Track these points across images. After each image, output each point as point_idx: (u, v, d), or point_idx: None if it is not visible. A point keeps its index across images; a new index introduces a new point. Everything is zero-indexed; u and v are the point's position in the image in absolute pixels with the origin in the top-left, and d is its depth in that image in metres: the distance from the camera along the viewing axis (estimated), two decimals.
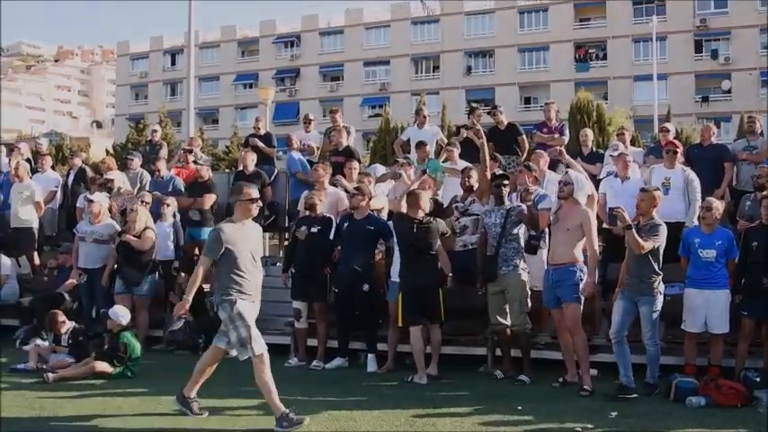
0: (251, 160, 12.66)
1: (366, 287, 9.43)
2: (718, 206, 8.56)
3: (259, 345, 6.70)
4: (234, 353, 6.84)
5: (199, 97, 56.15)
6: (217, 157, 44.97)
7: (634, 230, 7.70)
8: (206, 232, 12.03)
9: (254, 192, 7.02)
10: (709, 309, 8.20)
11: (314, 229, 9.82)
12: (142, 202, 11.36)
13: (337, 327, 9.86)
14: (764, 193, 8.81)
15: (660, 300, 7.92)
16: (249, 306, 6.81)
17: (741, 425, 6.78)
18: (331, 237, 9.87)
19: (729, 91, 55.02)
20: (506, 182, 9.01)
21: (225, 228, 6.83)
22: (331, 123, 13.74)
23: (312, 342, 9.92)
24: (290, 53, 67.97)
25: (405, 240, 8.92)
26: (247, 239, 6.90)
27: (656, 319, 7.89)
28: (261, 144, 13.62)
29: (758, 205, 8.99)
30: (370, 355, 9.51)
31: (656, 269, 7.88)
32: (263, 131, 14.14)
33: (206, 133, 52.23)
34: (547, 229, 8.83)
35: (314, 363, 9.64)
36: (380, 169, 12.29)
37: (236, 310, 6.71)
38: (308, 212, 10.07)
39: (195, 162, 13.64)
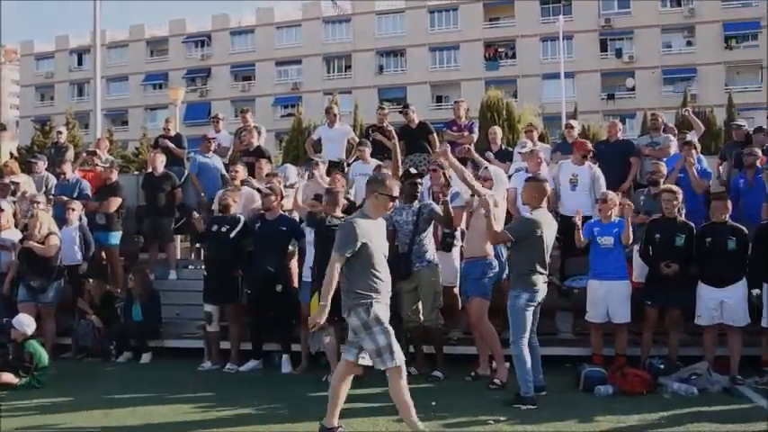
0: (160, 162, 12.43)
1: (279, 288, 9.39)
2: (614, 198, 8.84)
3: (399, 355, 6.07)
4: (365, 361, 6.18)
5: (107, 98, 55.02)
6: (126, 159, 44.06)
7: (492, 220, 7.53)
8: (113, 236, 11.87)
9: (396, 189, 6.39)
10: (610, 300, 8.47)
11: (224, 229, 9.77)
12: (32, 203, 10.98)
13: (251, 329, 9.78)
14: (661, 188, 9.11)
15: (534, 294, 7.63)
16: (384, 309, 6.17)
17: (646, 411, 7.02)
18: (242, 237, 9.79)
19: (633, 89, 56.83)
20: (420, 180, 9.06)
21: (359, 221, 6.15)
22: (242, 123, 13.64)
23: (225, 345, 9.82)
24: (201, 53, 67.05)
25: (324, 239, 8.86)
26: (380, 236, 6.34)
27: (515, 315, 7.45)
28: (171, 145, 13.37)
29: (652, 200, 9.31)
30: (284, 356, 9.47)
31: (528, 263, 7.39)
32: (173, 132, 13.88)
33: (115, 135, 51.12)
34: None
35: (228, 366, 9.55)
36: (291, 169, 12.19)
37: (374, 314, 6.03)
38: (220, 213, 9.98)
39: (96, 165, 13.28)
